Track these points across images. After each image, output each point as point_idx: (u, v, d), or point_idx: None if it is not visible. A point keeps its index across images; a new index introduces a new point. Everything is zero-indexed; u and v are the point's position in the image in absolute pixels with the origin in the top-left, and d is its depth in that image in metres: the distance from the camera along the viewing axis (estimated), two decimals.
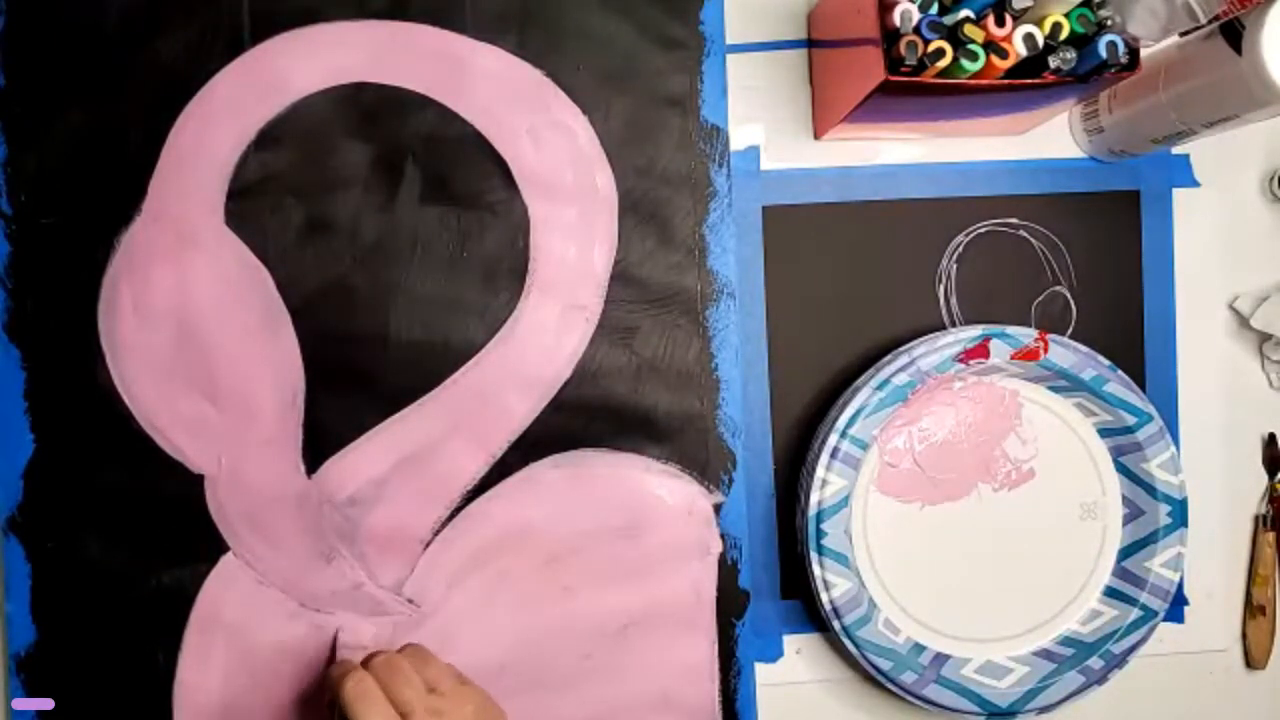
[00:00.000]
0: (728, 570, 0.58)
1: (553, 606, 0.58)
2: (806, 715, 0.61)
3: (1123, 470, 0.59)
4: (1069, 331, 0.60)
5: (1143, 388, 0.60)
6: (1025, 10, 0.48)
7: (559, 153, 0.58)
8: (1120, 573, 0.59)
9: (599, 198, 0.58)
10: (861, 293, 0.60)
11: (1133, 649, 0.58)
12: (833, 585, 0.56)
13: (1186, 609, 0.62)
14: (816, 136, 0.60)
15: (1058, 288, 0.61)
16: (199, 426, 0.57)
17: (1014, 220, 0.61)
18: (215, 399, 0.57)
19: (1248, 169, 0.62)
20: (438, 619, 0.57)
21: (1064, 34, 0.48)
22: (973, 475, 0.59)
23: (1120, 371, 0.58)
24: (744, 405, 0.59)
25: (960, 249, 0.61)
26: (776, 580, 0.60)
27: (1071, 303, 0.61)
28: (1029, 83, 0.49)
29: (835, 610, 0.57)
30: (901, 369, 0.56)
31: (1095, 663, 0.58)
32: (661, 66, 0.58)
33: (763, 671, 0.60)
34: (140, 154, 0.57)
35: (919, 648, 0.58)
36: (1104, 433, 0.59)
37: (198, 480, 0.57)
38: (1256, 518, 0.62)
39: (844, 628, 0.57)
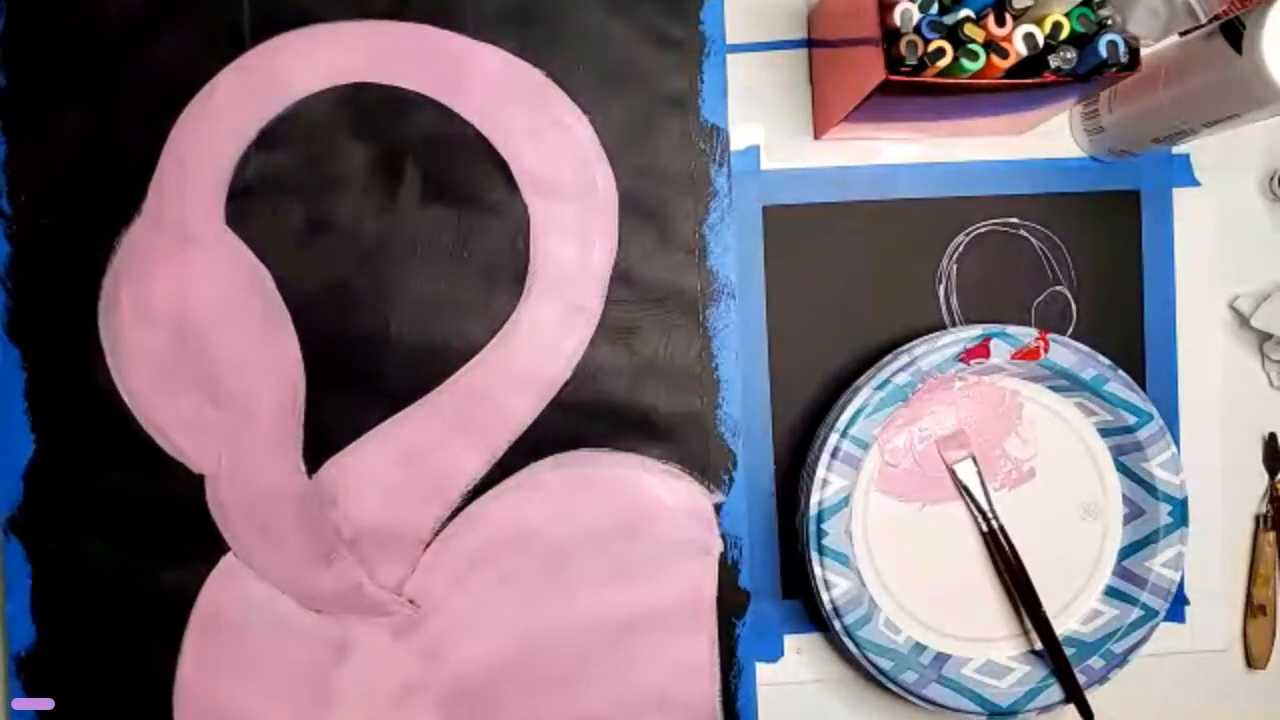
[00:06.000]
0: (728, 570, 0.58)
1: (553, 606, 0.58)
2: (807, 715, 0.61)
3: (1123, 470, 0.59)
4: (1069, 331, 0.61)
5: (1143, 387, 0.60)
6: (1025, 10, 0.48)
7: (559, 153, 0.58)
8: (1121, 572, 0.59)
9: (599, 198, 0.58)
10: (861, 293, 0.60)
11: (1133, 649, 0.58)
12: (833, 585, 0.56)
13: (1187, 609, 0.62)
14: (816, 136, 0.60)
15: (1058, 287, 0.61)
16: (199, 426, 0.57)
17: (1014, 220, 0.61)
18: (215, 399, 0.57)
19: (1248, 169, 0.62)
20: (438, 619, 0.57)
21: (1064, 33, 0.48)
22: None
23: (1120, 371, 0.58)
24: (744, 405, 0.59)
25: (960, 249, 0.61)
26: (777, 580, 0.60)
27: (1072, 302, 0.61)
28: (1029, 82, 0.49)
29: (836, 610, 0.57)
30: (902, 369, 0.56)
31: (1096, 662, 0.58)
32: (661, 66, 0.58)
33: (763, 671, 0.60)
34: (140, 154, 0.57)
35: (919, 647, 0.58)
36: (1104, 432, 0.59)
37: (198, 480, 0.57)
38: (1257, 517, 0.62)
39: (844, 627, 0.57)
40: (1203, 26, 0.50)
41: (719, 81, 0.58)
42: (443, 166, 0.58)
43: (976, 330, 0.57)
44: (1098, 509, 0.60)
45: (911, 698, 0.58)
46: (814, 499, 0.56)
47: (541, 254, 0.58)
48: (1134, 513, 0.59)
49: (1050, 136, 0.61)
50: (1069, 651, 0.58)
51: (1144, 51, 0.50)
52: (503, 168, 0.58)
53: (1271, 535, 0.61)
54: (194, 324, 0.57)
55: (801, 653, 0.61)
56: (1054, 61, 0.48)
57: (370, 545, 0.57)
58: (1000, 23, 0.48)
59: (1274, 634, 0.62)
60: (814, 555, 0.56)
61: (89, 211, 0.57)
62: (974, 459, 0.59)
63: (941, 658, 0.59)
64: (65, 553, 0.57)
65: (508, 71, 0.58)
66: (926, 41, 0.48)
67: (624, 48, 0.58)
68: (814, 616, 0.60)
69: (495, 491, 0.57)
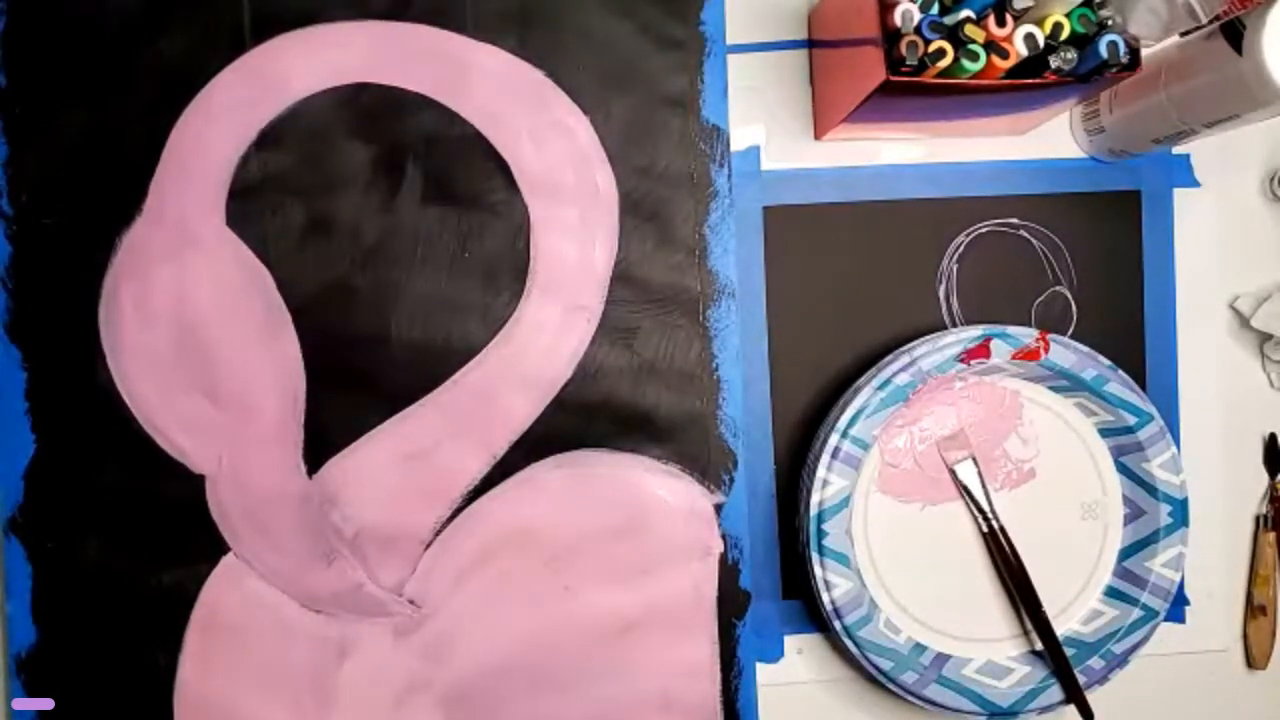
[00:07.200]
0: (728, 570, 0.58)
1: (554, 606, 0.58)
2: (807, 715, 0.61)
3: (1123, 470, 0.59)
4: (1069, 331, 0.61)
5: (1143, 387, 0.60)
6: (1026, 10, 0.48)
7: (559, 153, 0.58)
8: (1121, 573, 0.59)
9: (599, 198, 0.58)
10: (862, 293, 0.60)
11: (1134, 649, 0.58)
12: (834, 585, 0.56)
13: (1187, 609, 0.62)
14: (817, 137, 0.60)
15: (1058, 288, 0.61)
16: (200, 426, 0.57)
17: (1014, 220, 0.61)
18: (216, 399, 0.57)
19: (1248, 169, 0.62)
20: (439, 620, 0.57)
21: (1065, 34, 0.48)
22: None
23: (1121, 371, 0.58)
24: (744, 405, 0.59)
25: (961, 249, 0.61)
26: (777, 580, 0.60)
27: (1072, 303, 0.61)
28: (1030, 83, 0.49)
29: (836, 610, 0.57)
30: (902, 369, 0.56)
31: (1096, 663, 0.58)
32: (662, 66, 0.58)
33: (764, 671, 0.60)
34: (141, 154, 0.57)
35: (920, 648, 0.58)
36: (1105, 433, 0.59)
37: (198, 480, 0.57)
38: (1257, 518, 0.62)
39: (845, 628, 0.57)
40: (1203, 27, 0.50)
41: (719, 82, 0.58)
42: (443, 167, 0.58)
43: (977, 330, 0.57)
44: (1098, 509, 0.60)
45: (911, 698, 0.58)
46: (814, 499, 0.56)
47: (542, 254, 0.58)
48: (1134, 513, 0.59)
49: (1050, 136, 0.61)
50: (1069, 652, 0.58)
51: (1144, 52, 0.50)
52: (503, 168, 0.58)
53: (1271, 535, 0.61)
54: (194, 324, 0.57)
55: (802, 653, 0.61)
56: (1054, 62, 0.48)
57: (371, 545, 0.57)
58: (1001, 23, 0.48)
59: (1274, 634, 0.62)
60: (814, 556, 0.56)
61: (89, 211, 0.57)
62: (974, 459, 0.59)
63: (942, 658, 0.59)
64: (65, 553, 0.57)
65: (508, 71, 0.58)
66: (927, 42, 0.48)
67: (624, 48, 0.58)
68: (814, 617, 0.60)
69: (496, 491, 0.57)
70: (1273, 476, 0.62)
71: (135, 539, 0.57)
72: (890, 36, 0.48)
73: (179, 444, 0.57)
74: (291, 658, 0.57)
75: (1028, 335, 0.57)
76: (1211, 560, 0.62)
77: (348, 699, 0.57)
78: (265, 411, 0.57)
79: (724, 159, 0.58)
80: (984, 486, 0.59)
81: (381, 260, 0.57)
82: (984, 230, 0.61)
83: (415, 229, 0.57)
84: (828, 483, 0.56)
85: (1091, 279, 0.61)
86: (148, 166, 0.57)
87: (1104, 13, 0.49)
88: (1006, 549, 0.58)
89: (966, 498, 0.59)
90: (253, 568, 0.57)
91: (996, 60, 0.48)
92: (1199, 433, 0.62)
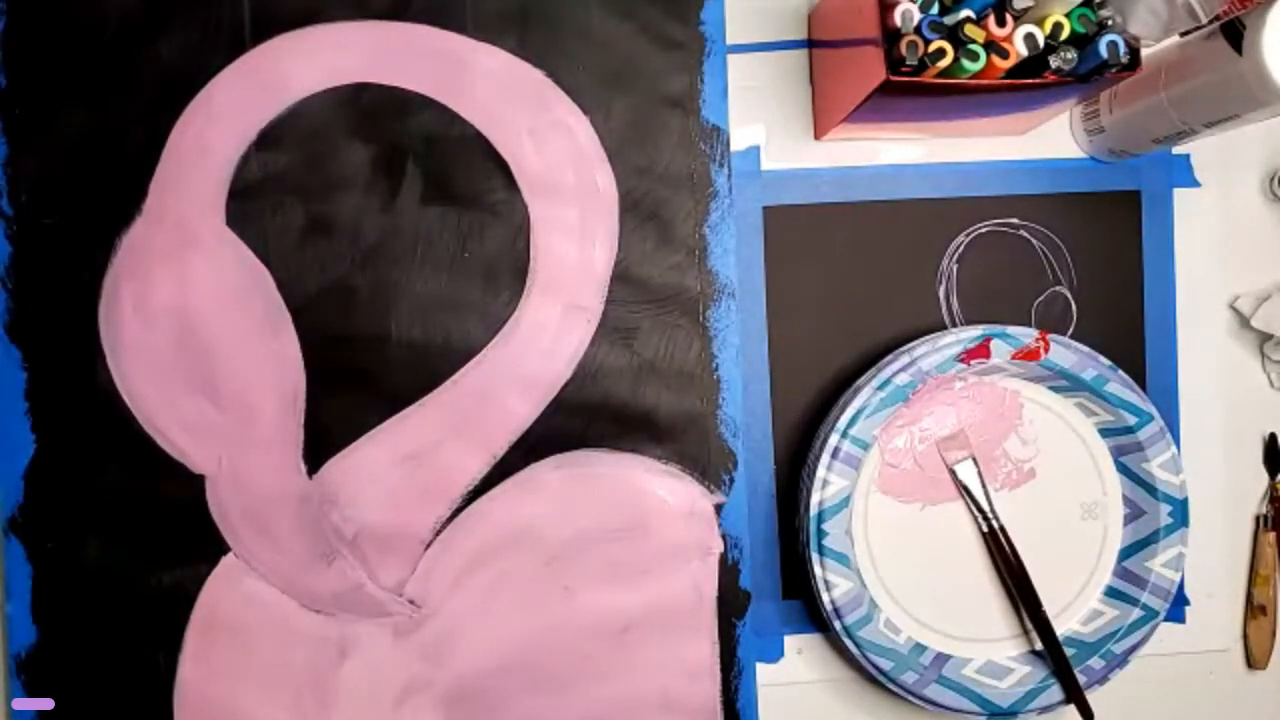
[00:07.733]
0: (728, 570, 0.58)
1: (554, 607, 0.58)
2: (807, 715, 0.61)
3: (1124, 470, 0.59)
4: (1069, 331, 0.61)
5: (1143, 387, 0.60)
6: (1026, 10, 0.48)
7: (559, 153, 0.58)
8: (1121, 573, 0.59)
9: (600, 198, 0.58)
10: (861, 293, 0.60)
11: (1134, 649, 0.58)
12: (834, 585, 0.56)
13: (1187, 609, 0.62)
14: (817, 137, 0.60)
15: (1058, 288, 0.61)
16: (200, 427, 0.57)
17: (1014, 220, 0.61)
18: (216, 399, 0.57)
19: (1248, 169, 0.62)
20: (439, 620, 0.57)
21: (1065, 34, 0.49)
22: None
23: (1121, 371, 0.58)
24: (744, 405, 0.59)
25: (960, 249, 0.61)
26: (777, 580, 0.60)
27: (1072, 303, 0.61)
28: (1030, 83, 0.49)
29: (836, 610, 0.57)
30: (902, 369, 0.56)
31: (1096, 663, 0.58)
32: (662, 66, 0.58)
33: (764, 671, 0.60)
34: (141, 154, 0.57)
35: (920, 648, 0.58)
36: (1105, 433, 0.59)
37: (198, 480, 0.57)
38: (1257, 518, 0.62)
39: (845, 628, 0.57)
40: (1203, 27, 0.50)
41: (719, 82, 0.58)
42: (443, 166, 0.58)
43: (977, 330, 0.57)
44: (1098, 509, 0.60)
45: (911, 698, 0.58)
46: (814, 499, 0.56)
47: (542, 254, 0.58)
48: (1134, 513, 0.59)
49: (1050, 136, 0.61)
50: (1069, 652, 0.58)
51: (1144, 52, 0.50)
52: (503, 168, 0.58)
53: (1271, 535, 0.61)
54: (194, 324, 0.57)
55: (802, 653, 0.61)
56: (1054, 62, 0.48)
57: (371, 546, 0.57)
58: (1001, 23, 0.48)
59: (1274, 634, 0.62)
60: (814, 556, 0.56)
61: (89, 211, 0.57)
62: (974, 459, 0.59)
63: (942, 658, 0.59)
64: (65, 553, 0.57)
65: (508, 71, 0.58)
66: (927, 42, 0.48)
67: (624, 48, 0.58)
68: (814, 617, 0.60)
69: (496, 492, 0.57)
70: (1273, 476, 0.62)
71: (135, 539, 0.57)
72: (890, 36, 0.48)
73: (179, 444, 0.57)
74: (291, 658, 0.57)
75: (1028, 335, 0.57)
76: (1211, 560, 0.62)
77: (348, 699, 0.57)
78: (265, 411, 0.57)
79: (724, 159, 0.58)
80: (984, 486, 0.59)
81: (381, 260, 0.57)
82: (984, 230, 0.61)
83: (415, 229, 0.57)
84: (828, 483, 0.56)
85: (1091, 279, 0.61)
86: (148, 166, 0.57)
87: (1104, 13, 0.49)
88: (1006, 549, 0.58)
89: (966, 498, 0.59)
90: (253, 568, 0.57)
91: (996, 60, 0.48)
92: (1199, 433, 0.62)
